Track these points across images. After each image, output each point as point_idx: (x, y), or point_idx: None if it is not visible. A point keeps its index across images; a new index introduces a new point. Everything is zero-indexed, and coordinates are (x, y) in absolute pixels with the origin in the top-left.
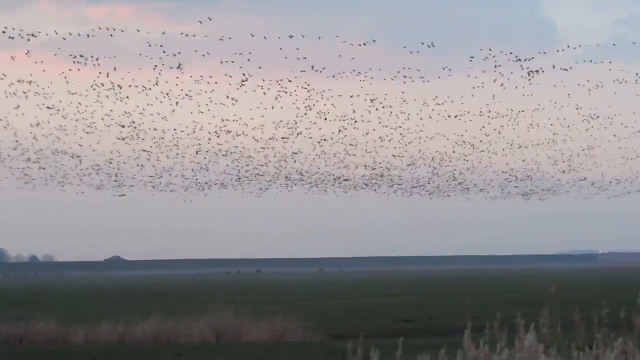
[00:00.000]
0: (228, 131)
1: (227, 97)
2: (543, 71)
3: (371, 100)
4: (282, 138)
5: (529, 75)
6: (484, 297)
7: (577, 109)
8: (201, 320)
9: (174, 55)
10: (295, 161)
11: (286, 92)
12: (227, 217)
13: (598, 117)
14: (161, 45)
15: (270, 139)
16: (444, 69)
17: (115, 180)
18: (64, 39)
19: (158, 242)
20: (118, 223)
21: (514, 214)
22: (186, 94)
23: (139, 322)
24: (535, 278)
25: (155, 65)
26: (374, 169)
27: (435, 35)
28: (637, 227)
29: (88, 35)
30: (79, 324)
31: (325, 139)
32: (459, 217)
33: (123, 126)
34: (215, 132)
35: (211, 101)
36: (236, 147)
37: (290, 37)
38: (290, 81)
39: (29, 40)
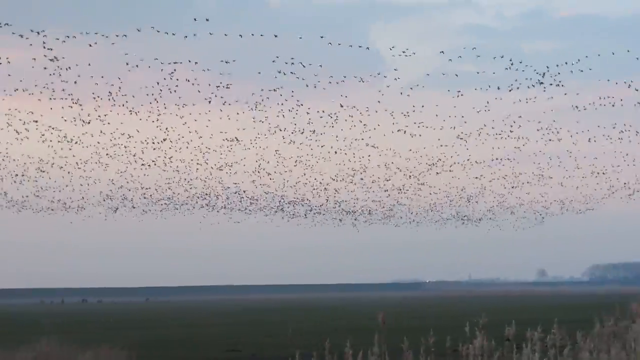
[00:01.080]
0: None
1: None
2: (376, 110)
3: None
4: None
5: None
6: (311, 325)
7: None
8: (24, 351)
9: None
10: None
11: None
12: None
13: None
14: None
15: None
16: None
17: None
18: None
19: None
20: None
21: (343, 243)
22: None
23: None
24: (363, 307)
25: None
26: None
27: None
28: (462, 256)
29: None
30: None
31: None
32: (285, 244)
33: None
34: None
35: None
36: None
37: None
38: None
39: None
